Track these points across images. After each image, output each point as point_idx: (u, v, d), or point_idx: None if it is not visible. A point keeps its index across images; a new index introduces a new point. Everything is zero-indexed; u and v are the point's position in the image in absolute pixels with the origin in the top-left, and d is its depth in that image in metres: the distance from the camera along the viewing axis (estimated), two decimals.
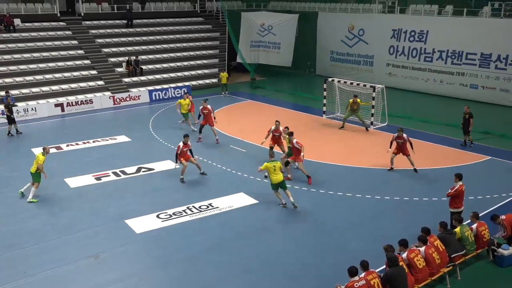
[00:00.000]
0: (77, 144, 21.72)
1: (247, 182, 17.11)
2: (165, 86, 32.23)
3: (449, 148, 20.64)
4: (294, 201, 14.88)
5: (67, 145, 21.51)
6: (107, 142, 21.99)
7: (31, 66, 30.24)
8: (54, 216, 14.69)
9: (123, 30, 36.61)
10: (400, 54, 32.47)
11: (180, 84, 32.81)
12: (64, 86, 29.79)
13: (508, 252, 11.78)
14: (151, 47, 36.01)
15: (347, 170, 18.35)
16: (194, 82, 34.03)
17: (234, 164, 18.79)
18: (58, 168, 18.64)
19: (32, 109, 26.81)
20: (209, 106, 21.57)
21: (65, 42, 32.95)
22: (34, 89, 28.88)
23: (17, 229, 13.86)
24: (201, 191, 16.45)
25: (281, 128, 18.38)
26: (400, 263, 10.09)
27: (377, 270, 10.26)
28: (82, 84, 30.46)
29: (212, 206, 15.19)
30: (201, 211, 14.89)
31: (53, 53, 31.66)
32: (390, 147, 17.92)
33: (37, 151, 20.61)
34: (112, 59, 33.48)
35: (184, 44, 37.63)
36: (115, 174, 18.07)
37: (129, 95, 30.25)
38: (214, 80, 35.02)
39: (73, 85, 30.09)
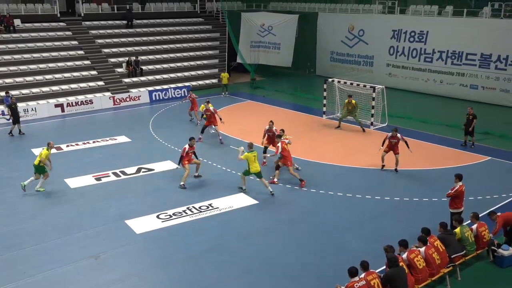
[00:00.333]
0: (77, 144, 21.73)
1: (247, 183, 17.08)
2: (165, 86, 32.25)
3: (449, 149, 20.64)
4: (270, 190, 15.84)
5: (67, 146, 21.51)
6: (107, 143, 22.00)
7: (31, 66, 30.25)
8: (54, 216, 14.69)
9: (123, 30, 36.62)
10: (400, 54, 32.48)
11: (180, 85, 32.83)
12: (64, 87, 29.80)
13: (508, 253, 11.79)
14: (151, 47, 36.02)
15: (347, 171, 18.36)
16: (194, 83, 34.03)
17: (234, 165, 18.77)
18: (58, 168, 18.59)
19: (32, 109, 26.83)
20: (211, 108, 21.73)
21: (65, 43, 32.95)
22: (34, 90, 28.88)
23: (17, 230, 13.86)
24: (201, 191, 16.45)
25: (274, 128, 18.45)
26: (400, 264, 10.09)
27: (377, 271, 10.27)
28: (82, 85, 30.46)
29: (212, 207, 15.19)
30: (201, 211, 14.89)
31: (53, 54, 31.67)
32: (382, 145, 18.00)
33: (38, 151, 20.63)
34: (112, 60, 33.49)
35: (184, 45, 37.65)
36: (115, 174, 18.08)
37: (129, 95, 30.26)
38: (214, 81, 35.03)
39: (73, 86, 30.10)
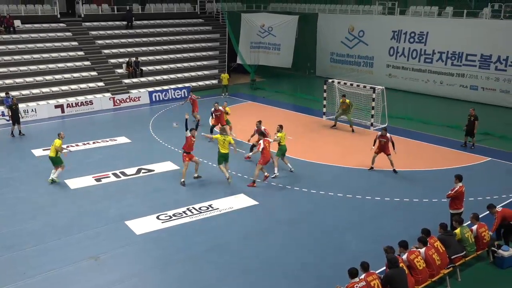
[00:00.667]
0: (77, 145, 21.72)
1: (247, 183, 17.09)
2: (165, 87, 32.26)
3: (449, 149, 20.64)
4: (229, 176, 16.67)
5: (67, 146, 21.41)
6: (107, 143, 22.00)
7: (31, 67, 30.25)
8: (54, 217, 14.69)
9: (123, 31, 36.62)
10: (400, 55, 32.50)
11: (180, 86, 32.83)
12: (64, 87, 29.81)
13: (508, 254, 11.79)
14: (151, 48, 36.04)
15: (347, 171, 18.36)
16: (194, 83, 34.02)
17: (234, 165, 18.76)
18: None
19: (32, 110, 26.84)
20: (221, 108, 21.98)
21: (65, 44, 32.96)
22: (34, 90, 28.89)
23: (17, 230, 13.86)
24: (201, 192, 16.45)
25: (262, 128, 18.68)
26: (400, 265, 10.09)
27: (377, 271, 10.26)
28: (82, 85, 30.47)
29: (212, 208, 15.19)
30: (201, 212, 14.89)
31: (53, 55, 31.68)
32: (373, 145, 18.04)
33: (38, 152, 20.72)
34: (112, 60, 33.49)
35: (184, 45, 37.66)
36: (115, 175, 18.07)
37: (129, 96, 30.27)
38: (214, 81, 35.03)
39: (73, 86, 30.11)
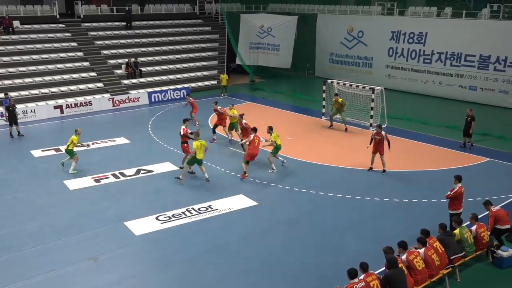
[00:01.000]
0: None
1: (246, 184, 17.11)
2: (164, 88, 32.26)
3: (448, 150, 20.65)
4: (208, 176, 17.14)
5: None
6: (107, 144, 21.99)
7: (30, 68, 30.25)
8: (53, 218, 14.67)
9: (122, 32, 36.62)
10: (399, 56, 32.51)
11: (179, 86, 32.83)
12: (63, 88, 29.80)
13: (507, 254, 11.80)
14: (150, 49, 36.03)
15: (346, 171, 18.36)
16: (193, 84, 34.04)
17: (233, 166, 18.79)
18: (57, 170, 18.65)
19: (31, 111, 26.82)
20: (219, 108, 22.18)
21: (64, 44, 32.96)
22: (33, 91, 28.89)
23: (16, 231, 13.84)
24: (200, 193, 16.45)
25: (244, 121, 19.74)
26: (400, 265, 10.09)
27: (376, 272, 10.26)
28: (81, 86, 30.47)
29: (212, 208, 15.18)
30: (200, 213, 14.88)
31: (52, 55, 31.67)
32: (370, 143, 18.07)
33: (37, 153, 20.71)
34: (111, 61, 33.49)
35: (184, 46, 37.67)
36: (115, 176, 18.06)
37: (128, 97, 30.26)
38: (214, 82, 35.03)
39: (72, 87, 30.11)
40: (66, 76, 30.68)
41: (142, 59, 34.43)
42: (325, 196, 16.08)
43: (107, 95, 30.15)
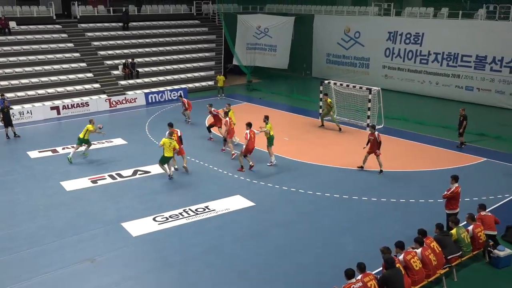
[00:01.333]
0: (73, 147, 21.56)
1: (243, 185, 17.11)
2: (161, 88, 32.23)
3: (445, 150, 20.70)
4: (176, 167, 18.03)
5: (63, 148, 21.44)
6: (104, 145, 21.95)
7: (27, 69, 30.16)
8: (50, 219, 14.63)
9: (119, 32, 36.57)
10: (396, 56, 32.57)
11: (176, 87, 32.81)
12: (60, 89, 29.73)
13: (504, 253, 11.83)
14: (147, 49, 35.99)
15: (344, 172, 18.37)
16: (190, 85, 34.03)
17: (230, 167, 18.79)
18: (54, 171, 18.62)
19: (28, 112, 26.75)
20: (212, 109, 22.27)
21: (61, 45, 32.89)
22: (30, 92, 28.81)
23: (12, 233, 13.79)
24: (197, 193, 16.43)
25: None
26: (397, 265, 10.10)
27: (374, 272, 10.26)
28: (78, 87, 30.41)
29: (209, 209, 15.17)
30: (197, 213, 14.86)
31: (49, 56, 31.59)
32: (366, 144, 18.15)
33: (33, 154, 20.66)
34: (108, 62, 33.43)
35: (181, 47, 37.64)
36: (112, 177, 18.03)
37: (125, 97, 30.22)
38: (211, 83, 35.01)
39: (69, 88, 30.04)
40: (62, 77, 30.61)
41: (139, 59, 34.40)
42: (323, 196, 16.09)
43: (104, 96, 30.10)
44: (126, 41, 35.89)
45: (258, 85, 35.57)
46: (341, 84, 25.55)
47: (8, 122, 23.06)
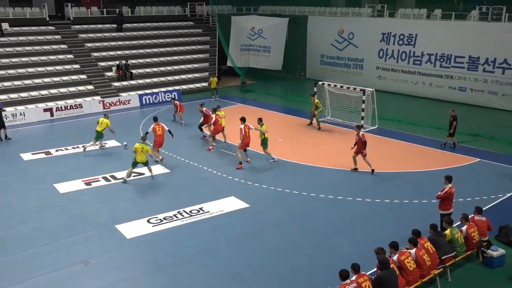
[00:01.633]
0: (66, 149, 21.56)
1: (238, 186, 17.09)
2: (155, 90, 32.16)
3: (438, 151, 20.78)
4: (153, 175, 17.82)
5: (56, 150, 21.35)
6: (97, 147, 21.84)
7: (20, 70, 30.01)
8: (43, 222, 14.55)
9: (113, 34, 36.48)
10: (389, 57, 32.69)
11: (170, 88, 32.76)
12: (53, 91, 29.60)
13: (497, 253, 11.88)
14: (141, 51, 35.91)
15: (338, 173, 18.40)
16: (184, 86, 33.99)
17: (224, 168, 18.77)
18: (47, 173, 18.52)
19: (21, 114, 26.60)
20: (204, 109, 22.52)
21: (54, 47, 32.76)
22: (23, 94, 28.66)
23: (5, 235, 13.70)
24: (191, 195, 16.39)
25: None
26: (391, 266, 10.12)
27: (368, 273, 10.28)
28: (72, 89, 30.29)
29: (203, 211, 15.14)
30: (192, 215, 14.83)
31: (42, 58, 31.46)
32: (354, 145, 18.26)
33: (26, 156, 20.53)
34: (102, 64, 33.33)
35: (175, 48, 37.60)
36: (105, 179, 17.96)
37: (119, 99, 30.12)
38: (205, 84, 34.96)
39: (63, 90, 29.91)
40: (56, 79, 30.48)
41: (133, 61, 34.31)
42: (317, 197, 16.10)
43: (98, 98, 29.99)
44: (119, 43, 35.79)
45: (252, 87, 35.58)
46: (335, 85, 25.61)
47: (1, 124, 22.91)
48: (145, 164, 17.71)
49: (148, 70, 34.53)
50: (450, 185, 12.92)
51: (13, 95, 28.28)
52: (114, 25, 36.97)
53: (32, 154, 20.88)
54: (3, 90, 28.36)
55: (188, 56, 37.50)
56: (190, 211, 15.07)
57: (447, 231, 11.79)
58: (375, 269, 10.50)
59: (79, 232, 13.82)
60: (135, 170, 18.56)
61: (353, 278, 9.68)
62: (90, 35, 35.34)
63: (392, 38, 32.30)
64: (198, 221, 14.47)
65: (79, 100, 29.13)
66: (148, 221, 14.47)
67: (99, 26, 36.56)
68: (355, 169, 18.32)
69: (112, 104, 29.64)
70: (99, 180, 17.80)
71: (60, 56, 32.24)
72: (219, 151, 21.02)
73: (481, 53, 27.91)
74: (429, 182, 17.02)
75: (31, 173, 18.57)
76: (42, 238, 13.52)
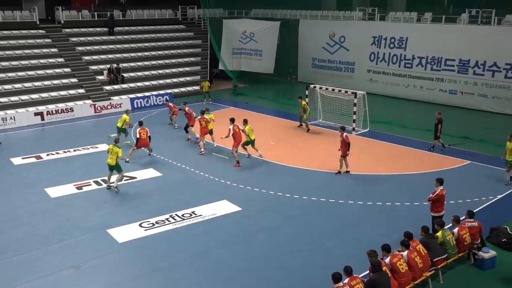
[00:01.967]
0: (57, 153, 21.42)
1: (230, 190, 17.07)
2: (146, 93, 32.07)
3: (429, 153, 20.89)
4: (116, 186, 17.09)
5: (47, 154, 21.21)
6: (88, 151, 21.74)
7: (10, 74, 29.79)
8: (34, 226, 14.43)
9: (104, 37, 36.34)
10: (380, 60, 32.84)
11: (162, 92, 32.67)
12: (44, 95, 29.42)
13: (488, 255, 11.95)
14: (132, 54, 35.82)
15: (330, 176, 18.43)
16: (176, 90, 33.92)
17: (217, 172, 18.74)
18: (38, 177, 18.39)
19: (11, 118, 26.40)
20: (187, 108, 23.07)
21: (44, 50, 32.57)
22: (13, 98, 28.44)
23: None
24: (184, 199, 16.34)
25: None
26: (383, 268, 10.14)
27: (360, 276, 10.30)
28: (63, 93, 30.12)
29: (195, 214, 15.10)
30: (184, 219, 14.78)
31: (33, 61, 31.27)
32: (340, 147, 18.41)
33: (17, 160, 20.38)
34: (93, 67, 33.19)
35: (166, 52, 37.53)
36: (97, 183, 17.86)
37: (110, 103, 30.00)
38: (197, 88, 34.92)
39: (53, 94, 29.74)
40: (47, 83, 30.30)
41: (124, 65, 34.20)
42: (309, 200, 16.12)
43: (89, 102, 29.85)
44: (111, 46, 35.67)
45: (244, 90, 35.59)
46: (326, 88, 25.68)
47: None
48: (111, 168, 17.02)
49: (139, 73, 34.43)
50: (441, 187, 12.99)
51: (3, 99, 28.06)
52: (105, 29, 36.85)
53: (23, 158, 20.72)
54: None
55: (179, 60, 37.45)
56: (183, 215, 15.02)
57: (439, 233, 11.84)
58: (368, 271, 10.53)
59: (70, 237, 13.73)
60: (127, 174, 18.50)
61: (346, 281, 9.69)
62: (81, 38, 35.19)
63: (383, 41, 32.47)
64: (190, 225, 14.43)
65: (70, 104, 28.96)
66: (140, 225, 14.40)
67: (90, 29, 36.42)
68: (347, 171, 18.36)
69: (104, 108, 29.52)
70: (91, 184, 17.70)
71: (51, 60, 32.06)
72: (211, 154, 20.99)
73: (471, 56, 28.12)
74: (420, 184, 17.11)
75: (22, 178, 18.42)
76: (33, 242, 13.41)
